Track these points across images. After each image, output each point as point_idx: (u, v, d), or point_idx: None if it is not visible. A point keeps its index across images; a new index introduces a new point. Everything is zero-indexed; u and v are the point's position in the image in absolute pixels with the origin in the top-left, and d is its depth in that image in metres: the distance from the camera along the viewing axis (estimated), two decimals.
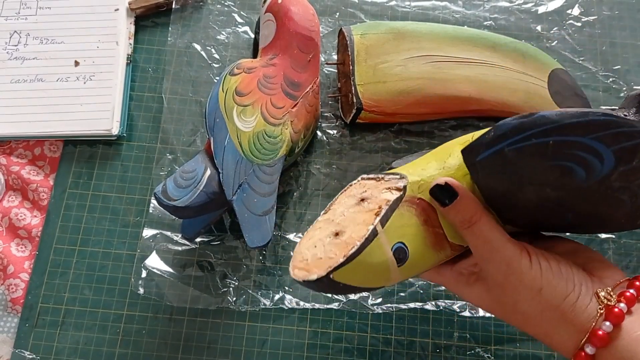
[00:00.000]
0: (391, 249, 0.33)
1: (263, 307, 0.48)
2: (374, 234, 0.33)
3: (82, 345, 0.47)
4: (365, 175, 0.38)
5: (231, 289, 0.48)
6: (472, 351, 0.47)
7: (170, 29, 0.57)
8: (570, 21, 0.59)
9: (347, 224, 0.34)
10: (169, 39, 0.57)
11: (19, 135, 0.53)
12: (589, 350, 0.32)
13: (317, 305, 0.48)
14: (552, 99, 0.53)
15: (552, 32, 0.59)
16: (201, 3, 0.59)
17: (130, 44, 0.57)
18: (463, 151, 0.34)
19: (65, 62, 0.55)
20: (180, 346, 0.47)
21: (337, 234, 0.34)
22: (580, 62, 0.57)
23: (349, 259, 0.32)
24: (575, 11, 0.60)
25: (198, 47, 0.57)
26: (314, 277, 0.32)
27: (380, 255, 0.33)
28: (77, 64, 0.55)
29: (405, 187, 0.35)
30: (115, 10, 0.57)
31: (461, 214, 0.34)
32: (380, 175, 0.37)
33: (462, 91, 0.51)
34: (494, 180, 0.34)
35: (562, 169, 0.32)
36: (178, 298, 0.48)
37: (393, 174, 0.36)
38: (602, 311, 0.33)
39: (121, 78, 0.55)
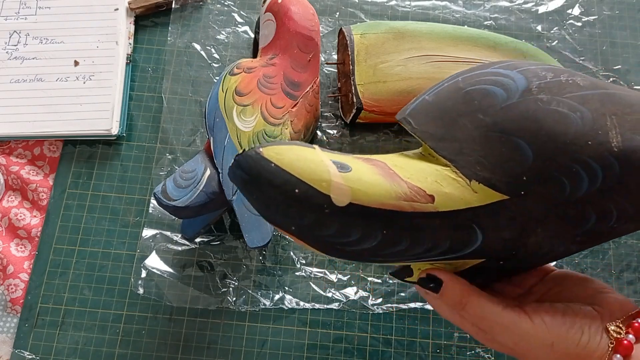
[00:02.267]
0: (329, 160, 0.32)
1: (263, 307, 0.48)
2: (308, 145, 0.33)
3: (82, 345, 0.47)
4: None
5: (231, 289, 0.48)
6: (472, 351, 0.47)
7: (169, 28, 0.57)
8: (571, 21, 0.59)
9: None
10: (168, 38, 0.57)
11: (18, 135, 0.53)
12: None
13: (317, 306, 0.48)
14: None
15: (552, 31, 0.59)
16: (201, 3, 0.59)
17: (130, 43, 0.56)
18: (396, 115, 0.36)
19: (65, 61, 0.55)
20: (179, 346, 0.47)
21: None
22: (581, 62, 0.57)
23: (278, 143, 0.32)
24: (576, 11, 0.60)
25: (198, 46, 0.57)
26: (241, 149, 0.33)
27: (313, 155, 0.32)
28: (76, 63, 0.55)
29: (350, 154, 0.34)
30: (115, 9, 0.57)
31: (451, 298, 0.34)
32: None
33: None
34: (428, 124, 0.34)
35: (478, 92, 0.33)
36: (178, 298, 0.48)
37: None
38: (612, 345, 0.33)
39: (121, 78, 0.55)
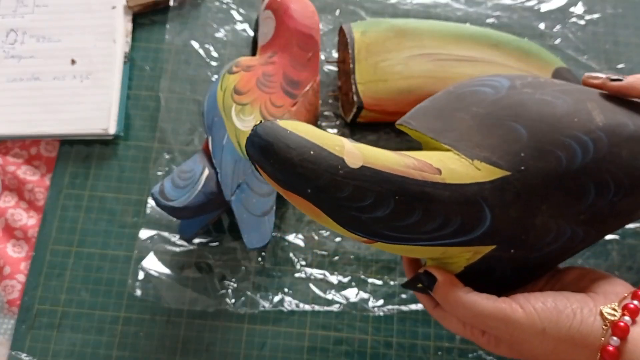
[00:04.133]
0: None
1: (262, 309, 0.47)
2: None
3: (79, 347, 0.46)
4: None
5: (230, 290, 0.48)
6: (474, 353, 0.46)
7: (167, 26, 0.57)
8: (574, 19, 0.59)
9: None
10: (166, 37, 0.56)
11: (15, 135, 0.52)
12: None
13: (317, 308, 0.47)
14: None
15: (555, 30, 0.58)
16: (199, 0, 0.58)
17: (128, 42, 0.56)
18: (396, 124, 0.39)
19: (62, 60, 0.55)
20: (178, 349, 0.46)
21: None
22: (584, 60, 0.57)
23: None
24: (579, 9, 0.59)
25: (196, 45, 0.56)
26: (258, 121, 0.35)
27: (326, 132, 0.34)
28: (73, 62, 0.55)
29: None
30: (113, 8, 0.57)
31: (443, 293, 0.36)
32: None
33: None
34: (428, 122, 0.37)
35: (469, 92, 0.37)
36: (176, 300, 0.47)
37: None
38: (607, 328, 0.34)
39: (118, 77, 0.54)
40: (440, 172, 0.34)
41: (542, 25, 0.58)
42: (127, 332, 0.47)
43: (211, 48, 0.56)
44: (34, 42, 0.56)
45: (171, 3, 0.57)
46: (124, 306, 0.47)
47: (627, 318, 0.34)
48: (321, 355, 0.46)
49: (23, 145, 0.53)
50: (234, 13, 0.58)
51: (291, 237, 0.50)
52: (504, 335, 0.35)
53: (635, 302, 0.34)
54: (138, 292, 0.47)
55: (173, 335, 0.47)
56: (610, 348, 0.33)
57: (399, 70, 0.50)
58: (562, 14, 0.59)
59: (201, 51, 0.56)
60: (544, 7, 0.59)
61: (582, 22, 0.59)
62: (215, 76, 0.55)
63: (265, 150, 0.32)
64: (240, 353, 0.46)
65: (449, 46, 0.52)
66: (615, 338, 0.33)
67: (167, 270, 0.48)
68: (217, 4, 0.58)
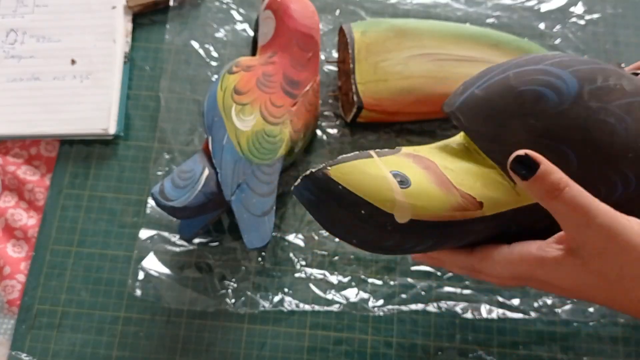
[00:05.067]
0: (389, 173, 0.34)
1: (262, 309, 0.47)
2: (367, 155, 0.34)
3: (79, 347, 0.46)
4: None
5: (230, 290, 0.48)
6: (474, 353, 0.46)
7: (167, 26, 0.57)
8: (574, 19, 0.59)
9: None
10: (166, 37, 0.56)
11: (15, 135, 0.52)
12: None
13: (317, 308, 0.47)
14: None
15: (555, 30, 0.58)
16: (199, 0, 0.58)
17: (128, 42, 0.56)
18: (444, 106, 0.37)
19: (62, 60, 0.55)
20: (178, 349, 0.46)
21: None
22: None
23: (342, 160, 0.33)
24: (579, 9, 0.59)
25: (196, 45, 0.56)
26: (308, 171, 0.33)
27: (376, 169, 0.33)
28: (73, 62, 0.55)
29: (400, 149, 0.36)
30: (113, 8, 0.57)
31: (546, 183, 0.31)
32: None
33: None
34: (478, 123, 0.35)
35: (531, 94, 0.34)
36: (176, 300, 0.47)
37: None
38: None
39: (118, 77, 0.54)
40: (482, 206, 0.33)
41: (542, 25, 0.58)
42: (127, 332, 0.47)
43: (211, 48, 0.56)
44: (34, 42, 0.55)
45: (171, 3, 0.57)
46: (124, 306, 0.47)
47: None
48: (321, 355, 0.46)
49: (23, 145, 0.53)
50: (234, 13, 0.58)
51: (291, 237, 0.49)
52: (597, 242, 0.31)
53: None
54: (138, 292, 0.47)
55: (173, 335, 0.47)
56: None
57: (399, 70, 0.50)
58: (562, 14, 0.59)
59: (201, 51, 0.56)
60: (544, 7, 0.59)
61: (582, 22, 0.59)
62: (215, 76, 0.55)
63: (315, 206, 0.33)
64: (240, 353, 0.46)
65: (449, 46, 0.52)
66: None
67: (167, 270, 0.48)
68: (217, 4, 0.58)
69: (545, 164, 0.31)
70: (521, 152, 0.32)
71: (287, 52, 0.48)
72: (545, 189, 0.31)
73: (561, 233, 0.33)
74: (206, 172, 0.45)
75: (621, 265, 0.31)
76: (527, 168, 0.32)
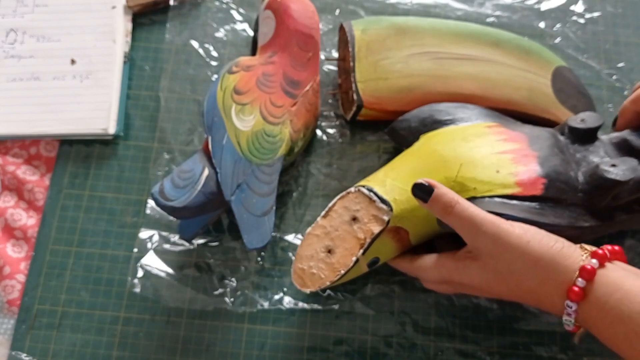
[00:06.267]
0: (367, 263, 0.43)
1: (261, 308, 0.47)
2: (355, 262, 0.42)
3: (79, 347, 0.46)
4: (362, 188, 0.43)
5: (229, 290, 0.48)
6: (475, 354, 0.46)
7: (167, 26, 0.57)
8: (574, 18, 0.59)
9: (338, 243, 0.43)
10: (166, 36, 0.56)
11: (14, 135, 0.52)
12: (580, 282, 0.36)
13: (316, 307, 0.47)
14: (556, 96, 0.52)
15: (555, 29, 0.58)
16: (199, 0, 0.58)
17: (128, 42, 0.56)
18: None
19: (62, 60, 0.55)
20: (178, 349, 0.46)
21: (329, 251, 0.43)
22: (584, 59, 0.57)
23: (334, 282, 0.42)
24: (579, 8, 0.59)
25: (196, 44, 0.56)
26: (307, 290, 0.42)
27: (358, 271, 0.43)
28: (73, 62, 0.55)
29: (388, 221, 0.42)
30: (113, 7, 0.57)
31: (440, 202, 0.39)
32: (373, 197, 0.42)
33: (464, 88, 0.50)
34: None
35: None
36: (175, 298, 0.47)
37: (382, 199, 0.42)
38: (587, 254, 0.37)
39: (118, 76, 0.54)
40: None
41: (542, 24, 0.58)
42: (127, 332, 0.47)
43: (211, 48, 0.56)
44: (33, 42, 0.55)
45: (171, 3, 0.57)
46: (124, 306, 0.47)
47: (608, 247, 0.38)
48: (321, 355, 0.46)
49: (23, 145, 0.53)
50: (234, 13, 0.58)
51: (291, 237, 0.49)
52: (487, 244, 0.38)
53: (610, 247, 0.38)
54: (137, 289, 0.47)
55: (173, 335, 0.47)
56: (589, 267, 0.36)
57: (399, 69, 0.50)
58: (562, 12, 0.59)
59: (201, 51, 0.56)
60: (544, 6, 0.59)
61: (582, 21, 0.59)
62: (215, 76, 0.55)
63: None
64: (240, 353, 0.46)
65: (450, 44, 0.51)
66: (594, 260, 0.37)
67: (166, 270, 0.48)
68: (217, 3, 0.58)
69: (439, 188, 0.39)
70: (420, 180, 0.40)
71: (287, 52, 0.48)
72: (440, 207, 0.39)
73: None
74: (206, 172, 0.45)
75: (508, 263, 0.38)
76: (425, 193, 0.40)
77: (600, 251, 0.37)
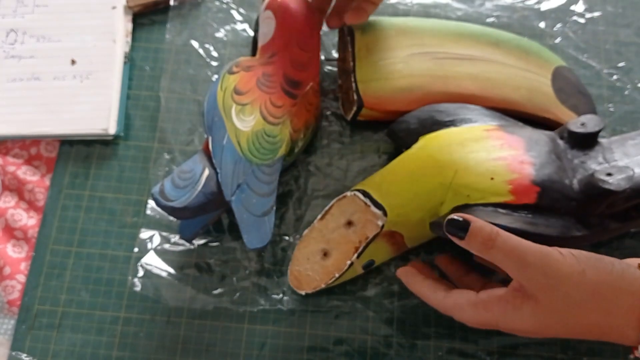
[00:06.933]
0: (362, 266, 0.45)
1: (262, 308, 0.47)
2: (350, 266, 0.44)
3: (79, 347, 0.46)
4: (358, 192, 0.44)
5: (229, 290, 0.48)
6: (475, 354, 0.46)
7: (168, 26, 0.57)
8: (574, 18, 0.59)
9: (334, 246, 0.45)
10: (166, 36, 0.56)
11: (15, 135, 0.52)
12: None
13: (316, 307, 0.47)
14: (556, 96, 0.52)
15: (555, 29, 0.58)
16: (199, 0, 0.58)
17: (128, 42, 0.56)
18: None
19: (62, 60, 0.55)
20: (178, 349, 0.46)
21: (325, 254, 0.45)
22: (584, 59, 0.57)
23: (329, 284, 0.44)
24: (579, 8, 0.59)
25: (196, 44, 0.56)
26: (303, 292, 0.45)
27: (353, 273, 0.45)
28: (73, 62, 0.55)
29: (382, 226, 0.43)
30: (113, 8, 0.57)
31: (479, 238, 0.35)
32: (368, 203, 0.43)
33: (464, 88, 0.50)
34: None
35: None
36: (175, 298, 0.47)
37: (377, 204, 0.43)
38: None
39: (118, 77, 0.54)
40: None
41: (542, 24, 0.58)
42: (127, 332, 0.47)
43: (211, 48, 0.56)
44: (34, 42, 0.55)
45: (171, 3, 0.57)
46: (124, 306, 0.47)
47: None
48: (321, 355, 0.46)
49: (23, 145, 0.53)
50: (234, 13, 0.58)
51: (291, 237, 0.49)
52: (538, 279, 0.33)
53: None
54: (137, 289, 0.47)
55: (173, 335, 0.47)
56: None
57: (400, 69, 0.50)
58: (562, 12, 0.59)
59: (201, 51, 0.56)
60: (544, 6, 0.59)
61: (582, 21, 0.59)
62: (216, 76, 0.55)
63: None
64: (240, 353, 0.46)
65: (450, 44, 0.51)
66: None
67: (166, 269, 0.48)
68: (217, 3, 0.58)
69: (475, 222, 0.35)
70: (454, 215, 0.36)
71: (288, 52, 0.48)
72: (480, 243, 0.35)
73: (514, 281, 0.36)
74: (206, 172, 0.45)
75: (564, 296, 0.33)
76: (460, 229, 0.36)
77: None
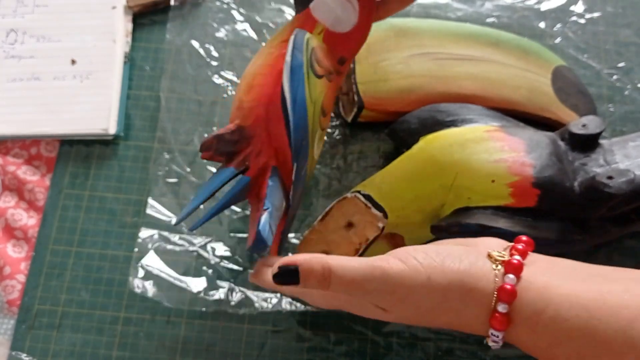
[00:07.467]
0: None
1: (261, 309, 0.47)
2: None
3: (79, 347, 0.46)
4: (358, 194, 0.43)
5: (230, 290, 0.48)
6: (475, 354, 0.46)
7: (168, 26, 0.57)
8: (574, 18, 0.59)
9: (334, 247, 0.43)
10: (167, 36, 0.56)
11: (15, 135, 0.52)
12: (502, 308, 0.31)
13: (316, 307, 0.47)
14: (556, 95, 0.52)
15: (555, 29, 0.58)
16: (200, 0, 0.58)
17: (128, 42, 0.56)
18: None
19: (62, 60, 0.55)
20: (178, 349, 0.46)
21: None
22: (584, 59, 0.57)
23: None
24: (579, 8, 0.59)
25: (196, 44, 0.56)
26: None
27: None
28: (73, 62, 0.55)
29: (383, 228, 0.42)
30: (113, 8, 0.57)
31: (312, 281, 0.33)
32: (368, 204, 0.43)
33: (464, 88, 0.50)
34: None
35: None
36: (175, 299, 0.47)
37: (378, 206, 0.42)
38: (499, 267, 0.32)
39: (118, 77, 0.54)
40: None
41: (542, 25, 0.58)
42: (127, 332, 0.47)
43: (211, 48, 0.56)
44: (34, 42, 0.55)
45: (172, 3, 0.57)
46: (124, 306, 0.47)
47: (517, 257, 0.32)
48: (321, 355, 0.46)
49: (23, 145, 0.53)
50: (235, 13, 0.58)
51: (291, 237, 0.49)
52: (387, 296, 0.32)
53: (520, 245, 0.33)
54: (137, 289, 0.47)
55: (173, 335, 0.47)
56: (508, 286, 0.31)
57: (400, 70, 0.50)
58: (562, 12, 0.59)
59: (201, 51, 0.56)
60: (544, 6, 0.59)
61: (582, 21, 0.59)
62: (216, 76, 0.55)
63: None
64: (240, 353, 0.46)
65: (449, 45, 0.52)
66: (511, 276, 0.31)
67: (166, 270, 0.48)
68: (217, 3, 0.58)
69: (303, 264, 0.32)
70: (275, 267, 0.33)
71: (350, 60, 0.40)
72: (316, 283, 0.32)
73: None
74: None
75: (414, 306, 0.33)
76: (290, 276, 0.33)
77: (514, 260, 0.32)
